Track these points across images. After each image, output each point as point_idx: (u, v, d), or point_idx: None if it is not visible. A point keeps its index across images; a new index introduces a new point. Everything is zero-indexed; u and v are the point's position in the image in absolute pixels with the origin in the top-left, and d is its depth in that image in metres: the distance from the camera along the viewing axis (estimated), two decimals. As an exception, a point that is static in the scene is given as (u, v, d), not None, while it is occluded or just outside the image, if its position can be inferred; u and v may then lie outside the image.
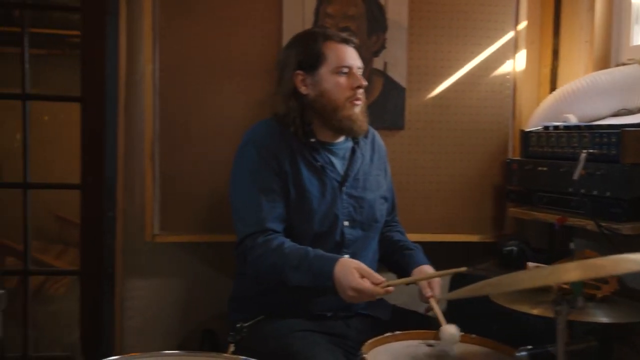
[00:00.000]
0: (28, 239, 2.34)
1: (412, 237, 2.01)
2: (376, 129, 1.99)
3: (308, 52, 1.81)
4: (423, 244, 1.95)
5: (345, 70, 1.79)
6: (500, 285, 1.23)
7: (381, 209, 1.91)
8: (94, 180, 2.27)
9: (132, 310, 2.25)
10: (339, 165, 1.85)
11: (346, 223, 1.82)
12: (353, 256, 1.76)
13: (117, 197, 2.19)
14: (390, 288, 1.59)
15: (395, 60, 2.17)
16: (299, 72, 1.80)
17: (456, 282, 1.99)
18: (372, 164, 1.92)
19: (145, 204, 2.13)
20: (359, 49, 1.84)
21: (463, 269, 1.53)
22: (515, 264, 2.00)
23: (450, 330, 1.47)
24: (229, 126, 2.12)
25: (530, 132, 2.04)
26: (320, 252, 1.68)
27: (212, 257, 2.27)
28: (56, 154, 3.66)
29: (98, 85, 2.25)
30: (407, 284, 1.75)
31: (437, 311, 1.60)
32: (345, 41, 1.81)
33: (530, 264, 1.53)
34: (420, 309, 1.84)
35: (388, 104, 2.17)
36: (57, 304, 3.04)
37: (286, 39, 2.11)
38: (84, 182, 2.28)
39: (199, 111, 2.12)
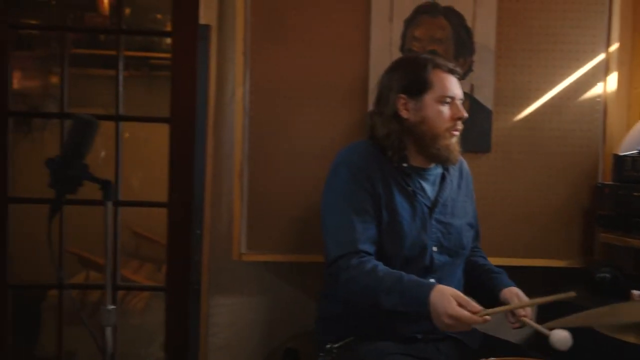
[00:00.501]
0: (118, 256, 2.42)
1: (496, 261, 1.99)
2: (462, 151, 1.98)
3: (415, 77, 1.81)
4: (505, 268, 1.93)
5: (449, 100, 1.79)
6: (615, 316, 1.20)
7: (467, 235, 1.90)
8: (180, 199, 2.34)
9: (217, 327, 2.29)
10: (429, 190, 1.85)
11: (435, 248, 1.82)
12: (439, 282, 1.74)
13: (205, 216, 2.25)
14: (488, 317, 1.57)
15: (482, 82, 2.17)
16: (402, 96, 1.81)
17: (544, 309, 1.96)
18: (460, 191, 1.92)
19: (233, 223, 2.18)
20: (461, 80, 1.85)
21: (571, 294, 1.48)
22: (609, 291, 1.95)
23: (561, 333, 1.44)
24: (316, 148, 2.16)
25: (625, 156, 2.00)
26: (414, 277, 1.67)
27: (295, 276, 2.30)
28: (133, 171, 3.78)
29: (187, 107, 2.32)
30: (506, 311, 1.72)
31: (535, 325, 1.57)
32: (451, 71, 1.82)
33: (636, 293, 1.49)
34: (510, 337, 1.81)
35: (474, 127, 2.16)
36: (137, 318, 3.12)
37: (373, 62, 2.15)
38: (171, 200, 2.35)
39: (287, 133, 2.17)
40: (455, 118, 1.79)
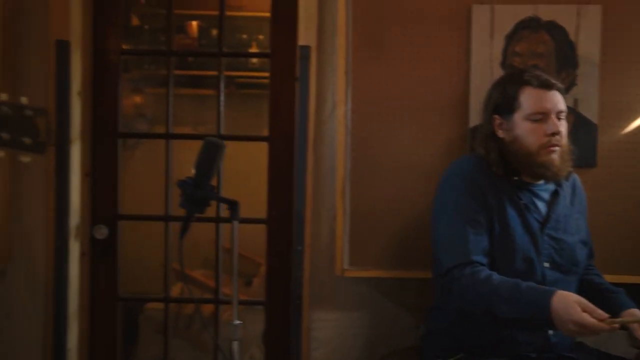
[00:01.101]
0: (220, 272, 2.50)
1: (609, 278, 1.96)
2: (568, 166, 1.96)
3: (505, 96, 1.83)
4: (619, 285, 1.89)
5: (539, 116, 1.79)
6: None
7: (581, 253, 1.88)
8: (279, 215, 2.40)
9: (317, 341, 2.33)
10: (541, 206, 1.84)
11: (546, 264, 1.81)
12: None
13: (305, 232, 2.29)
14: (617, 325, 1.54)
15: (586, 96, 2.14)
16: (496, 116, 1.84)
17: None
18: (573, 207, 1.90)
19: (335, 239, 2.22)
20: (562, 91, 1.84)
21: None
22: None
23: None
24: (416, 164, 2.18)
25: None
26: (532, 284, 1.66)
27: (397, 292, 2.31)
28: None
29: (286, 125, 2.39)
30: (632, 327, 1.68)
31: None
32: (546, 86, 1.81)
33: None
34: (627, 353, 1.77)
35: (579, 141, 2.12)
36: (228, 331, 3.18)
37: (474, 78, 2.16)
38: (270, 216, 2.41)
39: (388, 149, 2.19)
40: (548, 134, 1.78)
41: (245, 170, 3.17)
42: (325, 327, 2.34)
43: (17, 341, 2.27)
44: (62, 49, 2.23)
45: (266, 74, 3.77)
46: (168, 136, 2.46)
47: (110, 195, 2.40)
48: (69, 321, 2.28)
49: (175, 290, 3.36)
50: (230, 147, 3.78)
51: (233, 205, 1.55)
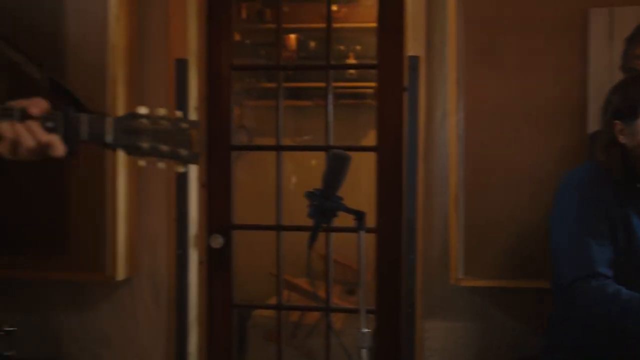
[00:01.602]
0: (330, 281, 2.54)
1: None
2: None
3: (626, 101, 1.77)
4: None
5: None
6: None
7: None
8: (389, 225, 2.41)
9: (431, 351, 2.32)
10: (671, 215, 1.77)
11: (678, 277, 1.73)
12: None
13: (417, 241, 2.30)
14: None
15: None
16: (617, 122, 1.78)
17: None
18: None
19: (450, 248, 2.21)
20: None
21: None
22: None
23: None
24: (532, 172, 2.14)
25: None
26: None
27: (510, 302, 2.27)
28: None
29: (394, 134, 2.41)
30: None
31: None
32: None
33: None
34: None
35: None
36: (332, 339, 3.23)
37: (592, 83, 2.10)
38: (379, 225, 2.44)
39: (502, 158, 2.17)
40: None
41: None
42: (438, 337, 2.33)
43: (143, 347, 2.39)
44: (181, 67, 2.34)
45: (364, 84, 3.84)
46: (279, 148, 2.53)
47: (225, 206, 2.49)
48: (189, 327, 2.38)
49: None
50: (320, 154, 3.81)
51: (360, 215, 1.58)
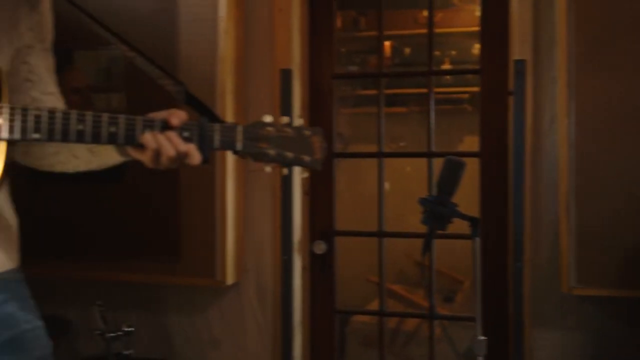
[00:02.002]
0: (433, 288, 2.52)
1: None
2: None
3: None
4: None
5: None
6: None
7: None
8: (494, 231, 2.37)
9: (540, 361, 2.26)
10: None
11: None
12: None
13: (524, 248, 2.25)
14: None
15: None
16: None
17: None
18: None
19: (560, 256, 2.15)
20: None
21: None
22: None
23: None
24: (650, 177, 2.05)
25: None
26: None
27: (625, 313, 2.18)
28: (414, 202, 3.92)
29: (499, 140, 2.37)
30: None
31: None
32: None
33: None
34: None
35: None
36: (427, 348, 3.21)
37: None
38: (484, 232, 2.39)
39: (615, 163, 2.09)
40: None
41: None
42: (548, 347, 2.27)
43: (250, 349, 2.45)
44: (286, 77, 2.39)
45: (460, 89, 3.80)
46: (380, 155, 2.54)
47: (327, 212, 2.53)
48: (294, 332, 2.43)
49: (376, 304, 3.45)
50: (414, 161, 3.80)
51: (475, 222, 1.57)
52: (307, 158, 1.29)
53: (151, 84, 2.30)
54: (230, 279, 2.36)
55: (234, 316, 2.45)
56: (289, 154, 1.28)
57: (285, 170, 1.33)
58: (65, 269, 2.45)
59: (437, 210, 1.57)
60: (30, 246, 2.39)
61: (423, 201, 1.58)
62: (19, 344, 1.27)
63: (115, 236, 2.41)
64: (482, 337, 1.57)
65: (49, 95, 1.35)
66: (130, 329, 2.23)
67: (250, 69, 2.44)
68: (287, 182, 2.38)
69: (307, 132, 1.29)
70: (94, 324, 2.24)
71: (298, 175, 2.45)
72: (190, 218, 2.36)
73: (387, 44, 3.90)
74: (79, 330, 2.54)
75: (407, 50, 3.77)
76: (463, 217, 1.58)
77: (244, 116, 2.41)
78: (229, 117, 2.33)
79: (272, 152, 1.27)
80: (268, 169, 1.29)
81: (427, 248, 1.62)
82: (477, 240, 1.58)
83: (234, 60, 2.36)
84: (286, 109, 2.40)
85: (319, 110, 2.53)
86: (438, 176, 1.61)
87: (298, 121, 1.30)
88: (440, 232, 1.62)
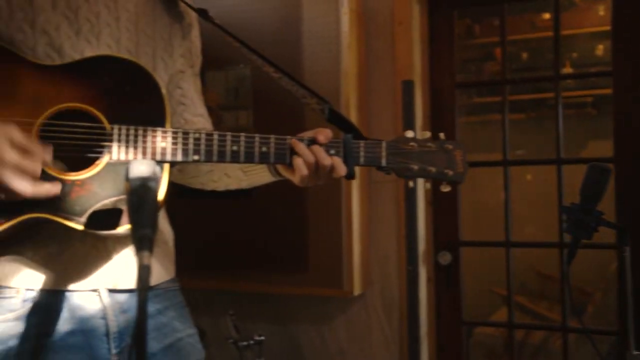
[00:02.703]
0: (568, 300, 2.42)
1: None
2: None
3: None
4: None
5: None
6: None
7: None
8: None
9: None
10: None
11: None
12: None
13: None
14: None
15: None
16: None
17: None
18: None
19: None
20: None
21: None
22: None
23: None
24: None
25: None
26: None
27: None
28: (533, 211, 3.80)
29: (635, 144, 2.25)
30: None
31: None
32: None
33: None
34: None
35: None
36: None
37: None
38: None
39: None
40: None
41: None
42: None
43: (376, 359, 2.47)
44: (408, 88, 2.39)
45: (581, 93, 3.64)
46: (506, 163, 2.49)
47: (452, 223, 2.50)
48: (421, 343, 2.41)
49: (500, 315, 3.36)
50: (535, 169, 3.65)
51: (622, 231, 1.50)
52: (450, 172, 1.29)
53: (276, 101, 2.41)
54: (357, 290, 2.38)
55: (361, 327, 2.48)
56: (432, 169, 1.28)
57: (446, 188, 1.33)
58: (199, 279, 2.57)
59: (582, 218, 1.51)
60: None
61: (566, 209, 1.53)
62: (176, 351, 1.35)
63: (246, 248, 2.50)
64: (636, 352, 1.49)
65: (199, 117, 1.43)
66: (261, 338, 2.30)
67: (371, 82, 2.47)
68: (411, 192, 2.37)
69: (449, 146, 1.30)
70: (226, 332, 2.34)
71: (422, 185, 2.45)
72: (317, 230, 2.41)
73: (501, 50, 3.81)
74: (211, 338, 2.65)
75: (525, 55, 3.67)
76: (610, 225, 1.51)
77: (367, 129, 2.44)
78: (353, 130, 2.36)
79: (415, 167, 1.28)
80: (411, 184, 1.30)
81: (571, 257, 1.57)
82: (627, 249, 1.50)
83: (357, 74, 2.40)
84: (408, 121, 2.40)
85: (440, 120, 2.51)
86: (581, 183, 1.55)
87: (424, 134, 1.31)
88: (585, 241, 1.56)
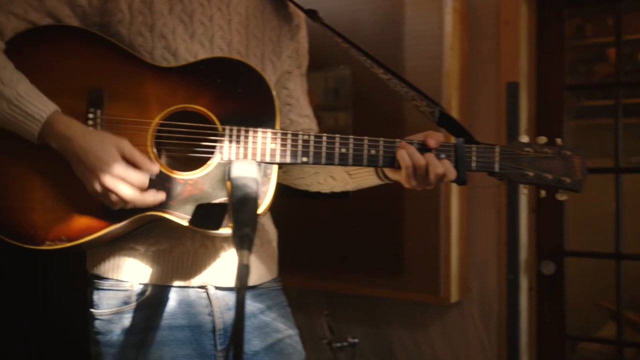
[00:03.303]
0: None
1: None
2: None
3: None
4: None
5: None
6: None
7: None
8: None
9: None
10: None
11: None
12: None
13: None
14: None
15: None
16: None
17: None
18: None
19: None
20: None
21: None
22: None
23: None
24: None
25: None
26: None
27: None
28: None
29: None
30: None
31: None
32: None
33: None
34: None
35: None
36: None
37: None
38: None
39: None
40: None
41: None
42: None
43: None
44: (512, 90, 2.30)
45: None
46: (618, 170, 2.35)
47: (556, 231, 2.39)
48: (521, 355, 2.32)
49: (606, 331, 3.17)
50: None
51: None
52: (567, 179, 1.23)
53: (376, 103, 2.39)
54: (453, 297, 2.32)
55: (457, 335, 2.41)
56: (549, 175, 1.22)
57: (562, 197, 1.26)
58: (295, 278, 2.59)
59: None
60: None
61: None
62: (278, 351, 1.35)
63: (342, 249, 2.50)
64: None
65: (304, 118, 1.44)
66: (354, 340, 2.28)
67: (474, 83, 2.39)
68: (513, 198, 2.29)
69: (568, 152, 1.23)
70: (320, 332, 2.34)
71: (524, 191, 2.35)
72: (414, 234, 2.37)
73: (614, 51, 3.60)
74: (305, 337, 2.66)
75: (640, 56, 3.45)
76: None
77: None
78: (454, 132, 2.31)
79: (530, 173, 1.22)
80: (525, 191, 1.25)
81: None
82: None
83: (459, 75, 2.33)
84: (512, 124, 2.31)
85: (547, 124, 2.41)
86: None
87: (540, 139, 1.24)
88: None
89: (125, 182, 1.09)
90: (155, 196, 1.13)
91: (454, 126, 1.27)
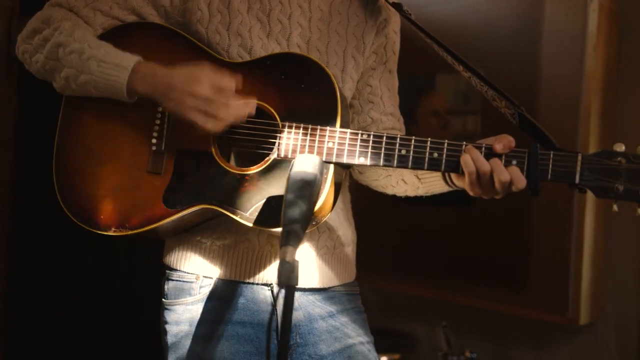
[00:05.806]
0: None
1: None
2: None
3: None
4: None
5: None
6: None
7: None
8: None
9: None
10: None
11: None
12: None
13: None
14: None
15: None
16: None
17: None
18: None
19: None
20: None
21: None
22: None
23: None
24: None
25: None
26: None
27: None
28: None
29: None
30: None
31: None
32: None
33: None
34: None
35: None
36: None
37: None
38: None
39: None
40: None
41: None
42: None
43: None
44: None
45: None
46: None
47: None
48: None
49: None
50: None
51: None
52: None
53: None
54: (584, 319, 2.13)
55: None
56: (619, 186, 1.06)
57: (615, 207, 1.10)
58: (414, 285, 2.53)
59: None
60: (384, 262, 2.54)
61: None
62: (347, 357, 1.29)
63: (464, 259, 2.39)
64: None
65: (388, 116, 1.37)
66: (473, 356, 2.18)
67: (621, 88, 2.19)
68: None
69: None
70: (438, 343, 2.26)
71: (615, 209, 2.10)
72: (542, 248, 2.21)
73: None
74: (422, 347, 2.59)
75: None
76: None
77: (609, 141, 2.16)
78: (592, 141, 2.12)
79: (620, 186, 1.06)
80: (615, 208, 1.09)
81: None
82: None
83: (602, 79, 2.14)
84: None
85: None
86: None
87: (638, 149, 1.07)
88: None
89: (219, 89, 1.11)
90: (248, 104, 1.14)
91: (535, 131, 1.14)
